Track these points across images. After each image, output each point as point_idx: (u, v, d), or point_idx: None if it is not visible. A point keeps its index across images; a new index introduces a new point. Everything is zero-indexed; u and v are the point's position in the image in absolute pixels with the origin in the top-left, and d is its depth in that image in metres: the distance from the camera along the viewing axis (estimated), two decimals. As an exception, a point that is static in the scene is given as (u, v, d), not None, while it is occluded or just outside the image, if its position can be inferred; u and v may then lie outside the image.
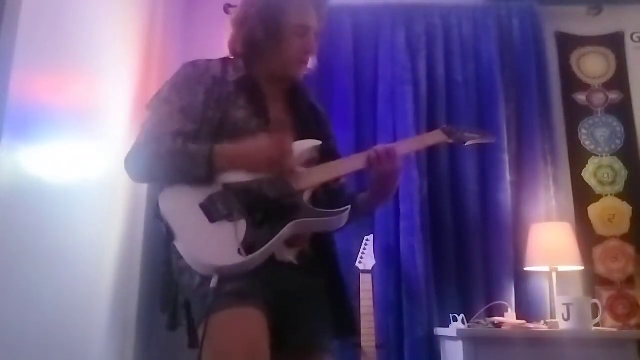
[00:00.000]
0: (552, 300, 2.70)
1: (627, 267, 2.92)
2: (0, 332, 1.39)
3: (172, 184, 1.40)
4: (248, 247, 1.28)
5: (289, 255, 1.44)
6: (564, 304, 2.51)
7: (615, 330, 2.67)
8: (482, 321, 2.54)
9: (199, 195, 1.36)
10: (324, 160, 1.53)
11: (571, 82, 3.20)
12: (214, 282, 1.24)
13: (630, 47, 3.24)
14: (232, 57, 1.60)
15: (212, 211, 1.33)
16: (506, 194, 2.90)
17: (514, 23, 3.18)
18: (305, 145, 1.49)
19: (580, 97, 3.17)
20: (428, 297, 2.74)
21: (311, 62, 1.60)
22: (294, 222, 1.35)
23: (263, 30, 1.52)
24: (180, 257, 1.35)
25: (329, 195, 1.53)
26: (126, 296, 2.35)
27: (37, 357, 1.58)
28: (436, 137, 1.68)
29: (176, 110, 1.45)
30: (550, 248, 2.71)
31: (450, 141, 1.67)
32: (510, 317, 2.60)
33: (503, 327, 2.48)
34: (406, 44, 3.10)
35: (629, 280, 2.90)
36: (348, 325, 1.57)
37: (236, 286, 1.29)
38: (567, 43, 3.25)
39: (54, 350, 1.69)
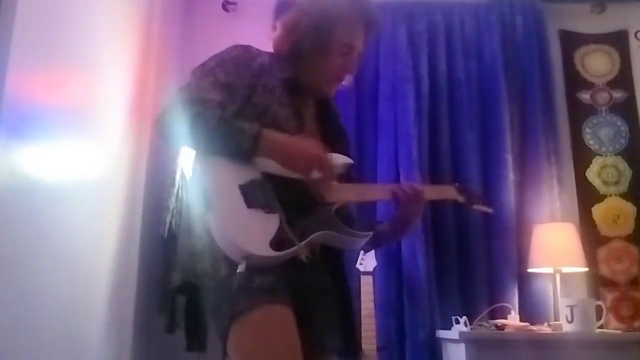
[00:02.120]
0: (555, 302, 2.68)
1: (632, 268, 2.90)
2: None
3: (209, 151, 1.36)
4: (277, 243, 1.28)
5: (306, 252, 1.42)
6: (567, 306, 2.49)
7: (619, 332, 2.66)
8: (485, 323, 2.52)
9: (239, 175, 1.33)
10: (346, 180, 1.55)
11: (575, 80, 3.17)
12: (241, 267, 1.22)
13: (634, 45, 3.22)
14: (278, 55, 1.58)
15: (250, 196, 1.31)
16: (509, 194, 2.87)
17: (517, 20, 3.15)
18: (340, 160, 1.50)
19: (584, 96, 3.15)
20: (430, 299, 2.72)
21: (347, 80, 1.62)
22: (323, 232, 1.38)
23: (312, 41, 1.52)
24: (202, 238, 1.32)
25: (345, 216, 1.53)
26: (123, 298, 2.34)
27: (34, 357, 1.58)
28: (450, 192, 1.77)
29: (220, 84, 1.42)
30: (554, 249, 2.69)
31: (460, 200, 1.75)
32: (513, 319, 2.59)
33: (506, 330, 2.46)
34: (408, 41, 3.08)
35: (634, 282, 2.88)
36: (350, 334, 1.54)
37: (267, 281, 1.27)
38: (571, 41, 3.22)
39: (51, 351, 1.69)
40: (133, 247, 2.42)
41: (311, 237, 1.35)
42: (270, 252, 1.26)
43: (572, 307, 2.47)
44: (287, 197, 1.35)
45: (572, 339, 2.42)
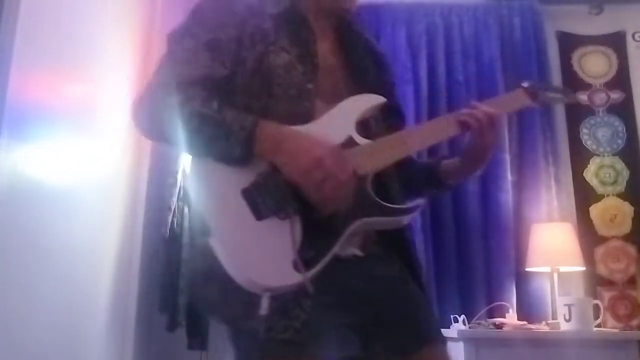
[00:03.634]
0: (553, 301, 2.68)
1: (629, 267, 2.90)
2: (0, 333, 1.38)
3: (194, 154, 1.07)
4: (306, 257, 0.97)
5: (352, 248, 1.12)
6: (565, 305, 2.51)
7: (616, 331, 2.67)
8: (483, 322, 2.52)
9: (239, 175, 1.01)
10: (387, 119, 1.22)
11: (573, 81, 3.17)
12: (264, 308, 0.93)
13: (631, 46, 3.23)
14: None
15: (258, 203, 0.99)
16: (507, 194, 2.89)
17: (515, 22, 3.17)
18: (365, 103, 1.15)
19: (582, 97, 3.15)
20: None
21: None
22: (359, 221, 1.05)
23: None
24: (206, 261, 1.00)
25: (396, 172, 1.19)
26: (125, 296, 2.34)
27: (36, 357, 1.58)
28: (520, 100, 1.36)
29: (201, 45, 1.10)
30: (552, 248, 2.70)
31: (535, 105, 1.37)
32: (511, 318, 2.59)
33: (504, 328, 2.47)
34: (407, 43, 3.09)
35: (631, 281, 2.88)
36: (432, 324, 1.21)
37: (290, 327, 0.99)
38: (569, 42, 3.24)
39: (54, 350, 1.69)
40: (135, 246, 2.43)
41: (344, 233, 1.03)
42: (294, 278, 0.96)
43: (569, 306, 2.48)
44: None
45: (569, 338, 2.42)
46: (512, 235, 2.85)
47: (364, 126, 1.15)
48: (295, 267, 0.96)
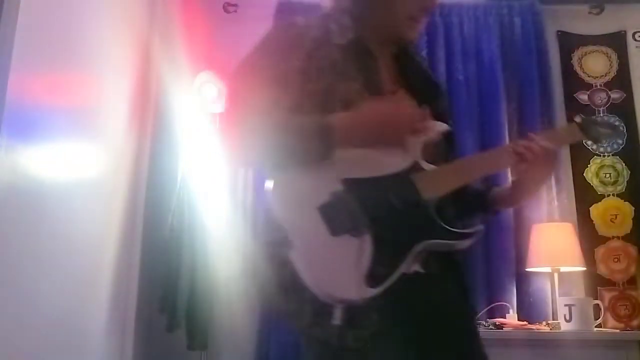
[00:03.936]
0: (554, 301, 2.69)
1: (630, 267, 2.90)
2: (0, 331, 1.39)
3: (278, 167, 1.14)
4: (376, 273, 1.05)
5: (414, 265, 1.16)
6: (565, 305, 2.51)
7: (617, 331, 2.67)
8: (484, 322, 2.53)
9: (316, 191, 1.09)
10: (446, 147, 1.27)
11: (573, 81, 3.18)
12: (337, 319, 1.02)
13: (632, 46, 3.23)
14: (335, 14, 1.30)
15: (334, 220, 1.07)
16: (508, 194, 2.89)
17: (515, 22, 3.17)
18: (435, 128, 1.22)
19: (582, 97, 3.16)
20: (429, 298, 2.72)
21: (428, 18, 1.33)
22: (424, 243, 1.11)
23: None
24: (283, 272, 1.08)
25: (454, 198, 1.24)
26: (125, 296, 2.35)
27: (36, 356, 1.58)
28: (574, 135, 1.36)
29: (268, 79, 1.18)
30: (552, 248, 2.70)
31: (586, 139, 1.37)
32: (511, 318, 2.60)
33: (505, 328, 2.47)
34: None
35: (631, 281, 2.88)
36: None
37: (361, 338, 1.05)
38: (569, 42, 3.24)
39: (54, 349, 1.69)
40: (135, 246, 2.43)
41: (410, 254, 1.10)
42: (366, 292, 1.03)
43: (570, 306, 2.49)
44: (376, 207, 1.10)
45: (570, 338, 2.43)
46: (512, 235, 2.85)
47: (425, 151, 1.20)
48: (367, 282, 1.04)
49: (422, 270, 1.17)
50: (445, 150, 1.27)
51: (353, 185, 1.11)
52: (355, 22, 1.27)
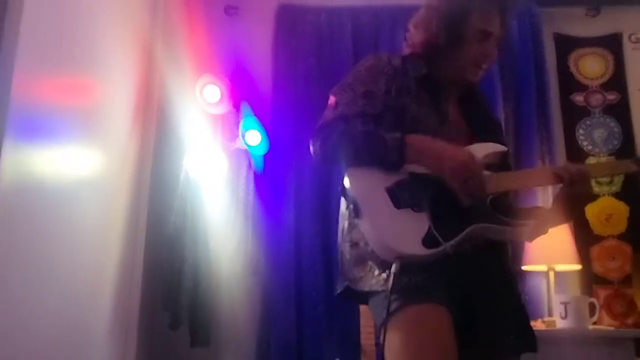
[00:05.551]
0: (549, 299, 2.71)
1: (624, 266, 2.93)
2: (4, 330, 1.40)
3: (359, 164, 1.39)
4: (429, 241, 1.28)
5: (466, 244, 1.36)
6: (561, 303, 2.52)
7: (612, 329, 2.67)
8: (481, 320, 2.54)
9: (385, 179, 1.36)
10: (501, 168, 1.49)
11: (569, 83, 3.21)
12: (395, 268, 1.25)
13: (628, 48, 3.25)
14: (411, 55, 1.60)
15: (398, 197, 1.34)
16: (504, 194, 2.91)
17: (512, 24, 3.19)
18: (490, 149, 1.45)
19: (578, 98, 3.19)
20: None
21: (490, 65, 1.58)
22: (476, 225, 1.34)
23: (446, 36, 1.52)
24: (356, 245, 1.38)
25: (504, 206, 1.45)
26: (128, 294, 2.36)
27: (40, 355, 1.59)
28: (626, 166, 1.54)
29: (359, 95, 1.47)
30: (548, 247, 2.71)
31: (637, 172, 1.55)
32: (508, 316, 2.61)
33: (501, 326, 2.49)
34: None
35: (626, 279, 2.91)
36: (525, 328, 1.46)
37: (421, 280, 1.29)
38: (565, 44, 3.26)
39: (57, 348, 1.70)
40: (138, 244, 2.44)
41: (463, 233, 1.31)
42: (421, 251, 1.27)
43: (565, 304, 2.50)
44: (437, 194, 1.34)
45: (565, 336, 2.45)
46: (509, 235, 2.88)
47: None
48: (423, 243, 1.28)
49: (468, 248, 1.36)
50: (500, 166, 1.48)
51: (417, 176, 1.36)
52: (427, 64, 1.54)
